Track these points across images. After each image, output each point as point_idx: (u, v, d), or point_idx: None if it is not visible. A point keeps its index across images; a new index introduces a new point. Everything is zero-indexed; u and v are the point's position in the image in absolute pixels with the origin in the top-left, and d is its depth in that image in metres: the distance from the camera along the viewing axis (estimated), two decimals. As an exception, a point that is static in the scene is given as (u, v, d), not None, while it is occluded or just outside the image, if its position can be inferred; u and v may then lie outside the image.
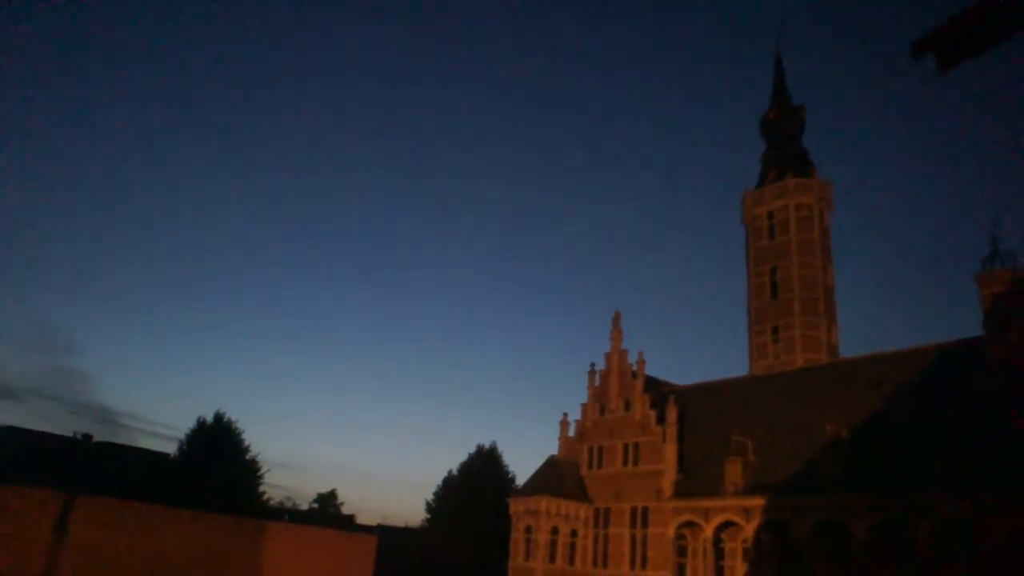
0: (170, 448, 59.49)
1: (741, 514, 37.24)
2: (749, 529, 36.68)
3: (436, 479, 69.08)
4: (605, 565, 43.73)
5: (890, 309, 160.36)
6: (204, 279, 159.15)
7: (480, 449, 61.32)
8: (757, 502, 36.63)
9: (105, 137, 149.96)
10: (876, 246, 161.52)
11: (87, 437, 65.23)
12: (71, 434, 64.92)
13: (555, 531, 44.38)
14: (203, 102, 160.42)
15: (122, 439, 75.77)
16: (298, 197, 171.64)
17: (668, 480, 41.81)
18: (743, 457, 39.22)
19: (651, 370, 48.02)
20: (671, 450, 42.45)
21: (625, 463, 44.95)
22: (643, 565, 41.76)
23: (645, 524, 42.41)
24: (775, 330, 49.81)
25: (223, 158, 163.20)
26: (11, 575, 29.52)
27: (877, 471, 33.18)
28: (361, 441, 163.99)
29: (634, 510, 43.29)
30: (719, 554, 39.45)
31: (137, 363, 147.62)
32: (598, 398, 48.76)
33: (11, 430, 59.93)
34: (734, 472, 38.71)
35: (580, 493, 46.00)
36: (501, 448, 62.27)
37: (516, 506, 46.33)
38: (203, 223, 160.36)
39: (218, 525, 36.60)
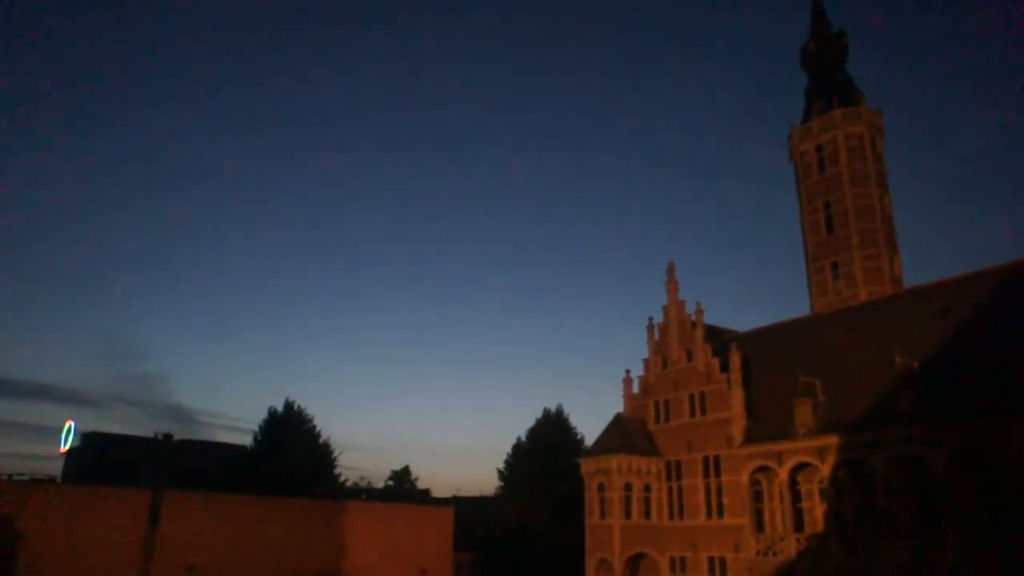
0: (245, 440, 61.34)
1: (815, 455, 36.71)
2: (825, 469, 36.16)
3: (506, 447, 69.79)
4: (681, 516, 43.76)
5: (954, 232, 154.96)
6: (263, 274, 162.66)
7: (547, 413, 61.61)
8: (830, 441, 36.05)
9: (155, 146, 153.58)
10: (935, 168, 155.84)
11: (168, 436, 67.79)
12: (153, 435, 67.62)
13: (628, 487, 44.50)
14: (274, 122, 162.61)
15: (200, 435, 78.60)
16: (351, 175, 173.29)
17: (738, 427, 41.43)
18: (812, 398, 38.57)
19: (710, 319, 47.44)
20: (738, 397, 42.00)
21: (692, 414, 44.67)
22: (720, 514, 41.64)
23: (718, 473, 42.20)
24: (834, 266, 48.56)
25: (264, 151, 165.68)
26: (112, 568, 31.06)
27: (952, 400, 32.27)
28: (430, 416, 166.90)
29: (706, 460, 43.10)
30: (796, 496, 39.03)
31: (208, 362, 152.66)
32: (659, 352, 48.43)
33: (98, 436, 62.69)
34: (804, 413, 38.11)
35: (650, 448, 45.96)
36: (567, 411, 62.50)
37: (587, 466, 46.57)
38: (254, 216, 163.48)
39: (298, 508, 37.76)
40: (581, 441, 59.24)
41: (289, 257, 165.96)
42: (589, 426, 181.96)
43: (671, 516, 44.35)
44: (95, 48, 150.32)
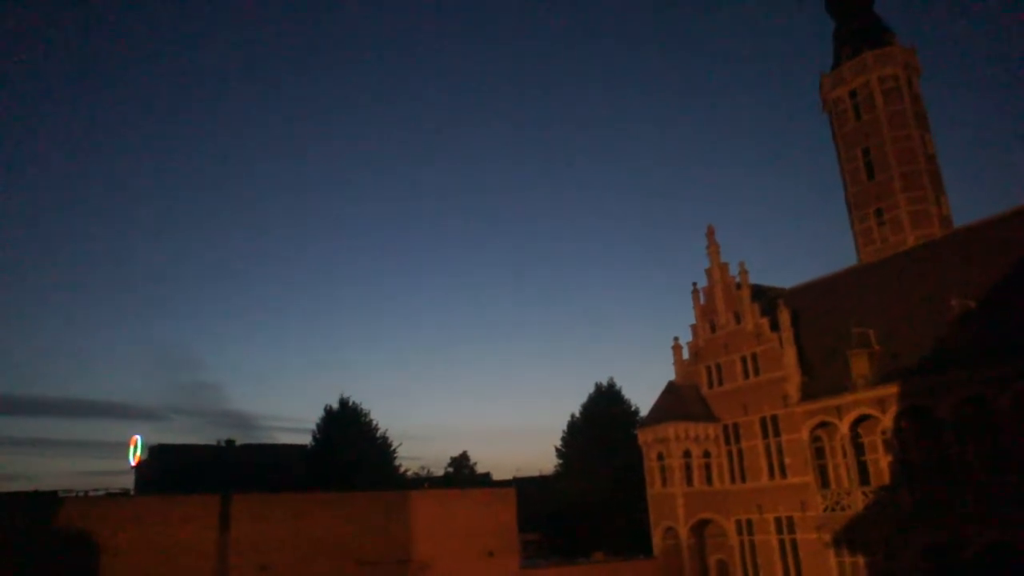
0: (305, 439, 62.39)
1: (876, 406, 36.07)
2: (887, 419, 35.53)
3: (561, 424, 70.03)
4: (744, 479, 43.46)
5: (1003, 165, 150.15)
6: (309, 276, 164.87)
7: (599, 387, 61.62)
8: (890, 391, 35.37)
9: (202, 161, 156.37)
10: (977, 101, 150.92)
11: (230, 442, 69.47)
12: (215, 442, 69.35)
13: (687, 454, 44.33)
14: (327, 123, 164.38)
15: (261, 439, 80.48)
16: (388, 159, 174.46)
17: (793, 385, 40.90)
18: (867, 348, 37.87)
19: (755, 278, 46.79)
20: (790, 354, 41.42)
21: (746, 376, 44.22)
22: (783, 473, 41.25)
23: (777, 433, 41.77)
24: (878, 212, 47.42)
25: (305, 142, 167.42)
26: (189, 573, 32.01)
27: (1014, 338, 31.38)
28: (484, 400, 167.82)
29: (763, 420, 42.67)
30: (859, 450, 38.44)
31: (262, 367, 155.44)
32: (706, 316, 47.98)
33: (163, 447, 64.47)
34: (860, 365, 37.46)
35: (705, 413, 45.66)
36: (619, 383, 62.42)
37: (644, 436, 46.50)
38: (296, 220, 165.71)
39: (362, 501, 38.38)
40: (636, 412, 59.14)
41: (333, 256, 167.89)
42: (642, 397, 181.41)
43: (733, 480, 44.08)
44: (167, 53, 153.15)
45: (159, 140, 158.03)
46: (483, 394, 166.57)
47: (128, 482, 64.53)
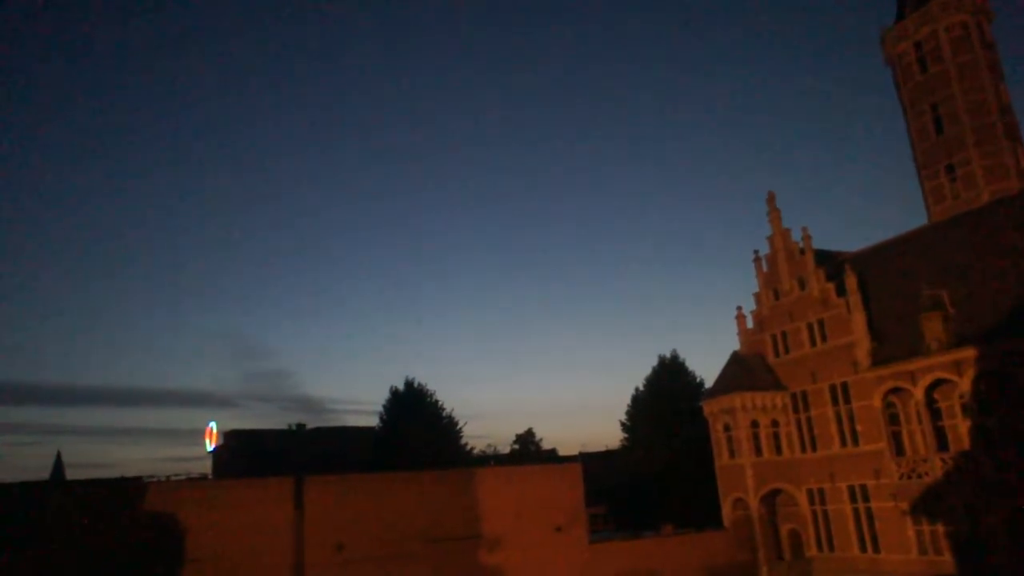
0: (373, 421, 63.59)
1: (952, 369, 34.85)
2: (964, 384, 34.30)
3: (625, 399, 69.71)
4: (814, 448, 42.65)
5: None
6: (372, 260, 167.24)
7: (662, 360, 61.06)
8: (968, 354, 34.10)
9: (270, 152, 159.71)
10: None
11: (301, 426, 71.32)
12: (287, 427, 71.30)
13: (755, 424, 43.68)
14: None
15: (331, 422, 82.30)
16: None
17: (862, 350, 39.80)
18: (941, 311, 36.51)
19: (818, 243, 45.58)
20: (859, 319, 40.28)
21: (812, 343, 43.23)
22: (855, 441, 40.32)
23: (847, 400, 40.80)
24: (949, 169, 45.45)
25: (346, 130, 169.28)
26: (267, 557, 33.05)
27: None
28: (547, 377, 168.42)
29: (833, 388, 41.71)
30: (935, 415, 37.24)
31: (329, 351, 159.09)
32: (769, 284, 47.00)
33: (237, 433, 66.54)
34: (934, 328, 36.17)
35: (772, 382, 44.87)
36: (682, 355, 61.72)
37: (710, 407, 45.98)
38: (358, 205, 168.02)
39: (430, 480, 38.93)
40: (700, 384, 58.46)
41: (397, 239, 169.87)
42: (706, 368, 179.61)
43: (803, 449, 43.30)
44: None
45: (228, 138, 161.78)
46: (548, 371, 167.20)
47: (206, 467, 66.77)
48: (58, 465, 59.44)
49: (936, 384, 36.31)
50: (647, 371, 61.83)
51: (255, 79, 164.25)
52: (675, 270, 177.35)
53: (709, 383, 51.38)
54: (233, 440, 64.70)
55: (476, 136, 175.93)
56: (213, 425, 58.12)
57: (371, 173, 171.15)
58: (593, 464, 58.21)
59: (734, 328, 49.06)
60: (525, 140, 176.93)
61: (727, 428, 44.60)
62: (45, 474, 57.07)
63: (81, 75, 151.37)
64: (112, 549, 29.95)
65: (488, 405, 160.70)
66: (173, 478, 39.17)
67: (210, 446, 57.98)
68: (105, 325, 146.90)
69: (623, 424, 63.26)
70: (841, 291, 41.54)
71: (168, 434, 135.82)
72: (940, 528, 35.75)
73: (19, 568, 28.19)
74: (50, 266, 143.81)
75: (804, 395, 43.45)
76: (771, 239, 47.14)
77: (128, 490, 33.33)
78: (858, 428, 40.05)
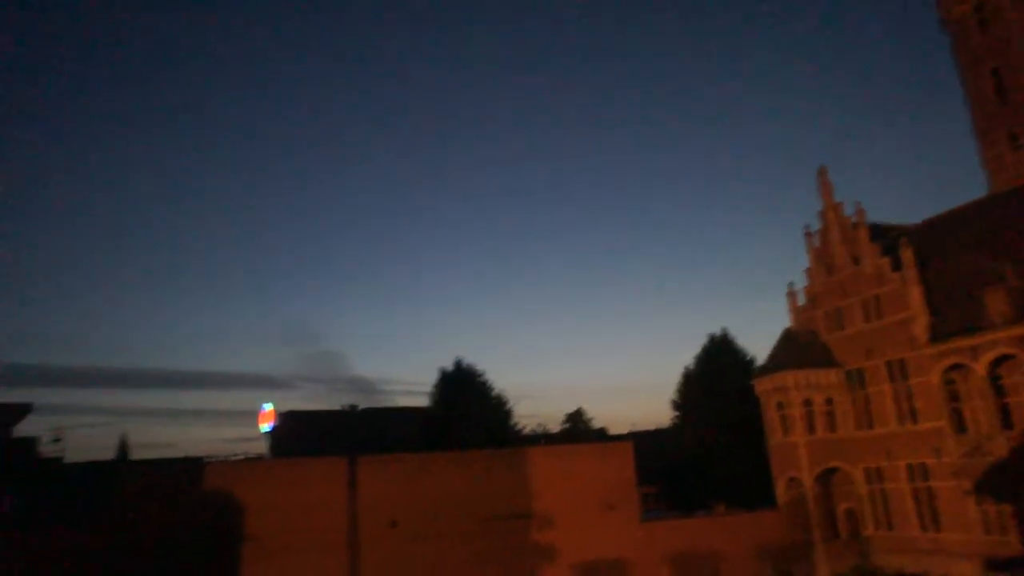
0: (424, 402, 64.27)
1: (1017, 344, 33.72)
2: (1029, 358, 33.16)
3: (675, 378, 69.10)
4: (870, 426, 41.79)
5: None
6: (420, 243, 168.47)
7: (712, 338, 60.37)
8: (1032, 327, 32.94)
9: (312, 140, 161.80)
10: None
11: (353, 407, 72.40)
12: (340, 407, 72.49)
13: (808, 402, 42.96)
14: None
15: (383, 403, 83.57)
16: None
17: (920, 326, 38.76)
18: (1004, 284, 35.29)
19: (873, 217, 44.41)
20: (916, 294, 39.20)
21: (867, 319, 42.24)
22: (913, 419, 39.37)
23: (905, 376, 39.82)
24: (1012, 137, 43.73)
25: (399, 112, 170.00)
26: (323, 534, 33.78)
27: None
28: (597, 356, 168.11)
29: (889, 364, 40.74)
30: (999, 392, 36.12)
31: (380, 333, 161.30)
32: (821, 260, 46.01)
33: (293, 414, 67.94)
34: (997, 301, 34.99)
35: (826, 359, 44.02)
36: (733, 333, 60.95)
37: (762, 385, 45.36)
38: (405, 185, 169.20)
39: (481, 459, 39.30)
40: (751, 362, 57.61)
41: (446, 223, 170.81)
42: (757, 346, 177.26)
43: (859, 427, 42.47)
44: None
45: (288, 122, 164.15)
46: (598, 351, 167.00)
47: (262, 447, 68.40)
48: (123, 446, 61.43)
49: (1000, 360, 35.19)
50: (697, 349, 61.33)
51: (318, 51, 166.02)
52: (725, 247, 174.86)
53: (760, 361, 50.68)
54: (288, 421, 66.05)
55: (523, 121, 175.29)
56: (269, 406, 59.38)
57: (424, 157, 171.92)
58: (644, 443, 57.84)
59: (785, 305, 48.27)
60: (570, 124, 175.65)
61: (780, 406, 43.96)
62: (111, 454, 59.08)
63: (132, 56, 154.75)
64: (176, 525, 30.97)
65: (538, 385, 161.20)
66: (232, 458, 40.32)
67: (266, 427, 59.27)
68: (168, 311, 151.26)
69: (673, 403, 62.84)
70: (897, 266, 40.46)
71: (227, 415, 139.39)
72: (1007, 508, 34.74)
73: (88, 542, 29.35)
74: (119, 259, 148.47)
75: (859, 372, 42.55)
76: (822, 214, 46.09)
77: (190, 470, 34.47)
78: (916, 405, 39.10)
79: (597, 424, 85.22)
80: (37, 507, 31.59)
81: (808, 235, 47.01)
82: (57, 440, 39.98)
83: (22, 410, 38.05)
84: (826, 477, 43.45)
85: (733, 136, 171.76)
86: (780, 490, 44.19)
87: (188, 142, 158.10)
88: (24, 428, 38.41)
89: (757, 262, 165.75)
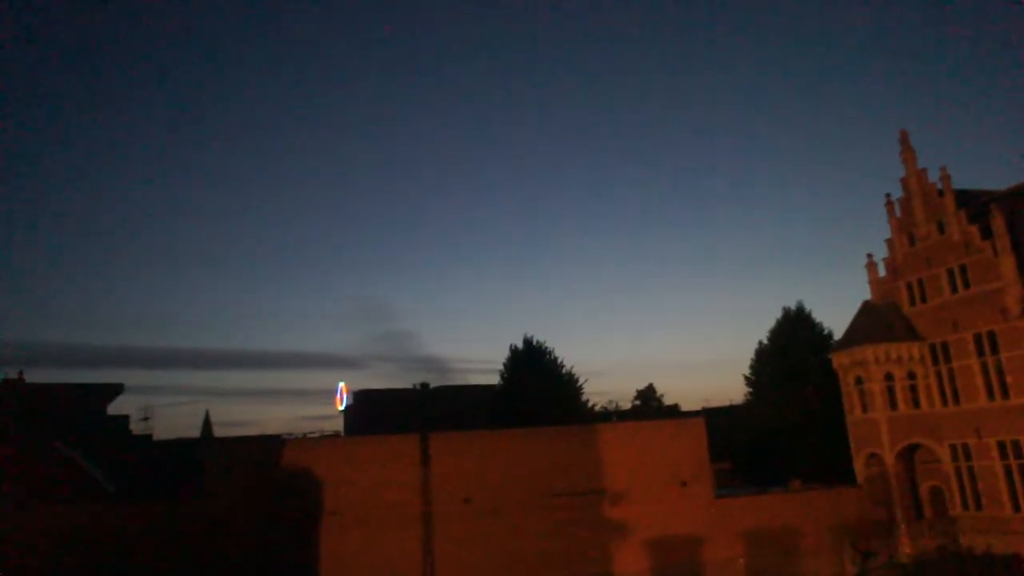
0: (494, 379, 64.77)
1: (1117, 314, 31.80)
2: None
3: (748, 353, 67.76)
4: (957, 401, 40.15)
5: None
6: (489, 222, 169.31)
7: (787, 312, 58.93)
8: None
9: (387, 120, 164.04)
10: None
11: (425, 385, 73.57)
12: (411, 386, 73.76)
13: (889, 377, 41.55)
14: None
15: (453, 381, 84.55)
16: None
17: (1013, 296, 36.91)
18: (1104, 250, 33.29)
19: (959, 183, 42.27)
20: (1008, 263, 37.31)
21: (953, 290, 40.46)
22: (1004, 394, 37.63)
23: (995, 350, 38.04)
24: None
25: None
26: (398, 509, 34.52)
27: None
28: (668, 332, 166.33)
29: (977, 337, 38.97)
30: (1098, 364, 34.19)
31: (451, 313, 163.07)
32: (904, 229, 44.20)
33: (367, 392, 69.52)
34: (1096, 269, 33.04)
35: (908, 333, 42.43)
36: (808, 306, 59.26)
37: (840, 360, 44.08)
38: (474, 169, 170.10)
39: (553, 436, 39.44)
40: (828, 336, 56.03)
41: (513, 199, 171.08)
42: (834, 319, 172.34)
43: (945, 402, 40.87)
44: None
45: (352, 105, 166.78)
46: (669, 326, 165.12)
47: (338, 425, 70.29)
48: (207, 423, 63.98)
49: (1099, 330, 33.29)
50: (771, 323, 60.06)
51: (391, 19, 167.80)
52: (800, 217, 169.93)
53: (838, 335, 49.22)
54: (362, 399, 67.59)
55: (590, 94, 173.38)
56: (343, 385, 60.90)
57: (491, 136, 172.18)
58: (717, 419, 57.06)
59: (864, 277, 46.66)
60: (638, 96, 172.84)
61: (859, 381, 42.66)
62: (196, 432, 61.56)
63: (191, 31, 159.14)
64: (258, 499, 32.11)
65: (608, 362, 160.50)
66: (309, 435, 41.48)
67: (341, 405, 60.85)
68: (248, 294, 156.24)
69: (747, 378, 61.75)
70: (986, 234, 38.55)
71: (303, 394, 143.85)
72: (1104, 486, 33.03)
73: (177, 513, 30.72)
74: (203, 246, 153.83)
75: (944, 346, 40.87)
76: (905, 181, 44.21)
77: (270, 446, 35.66)
78: (1008, 380, 37.33)
79: (669, 401, 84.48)
80: (130, 481, 33.21)
81: (889, 203, 45.24)
82: (146, 418, 41.96)
83: (114, 390, 40.06)
84: (908, 454, 42.06)
85: (810, 100, 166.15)
86: (859, 467, 43.02)
87: (265, 124, 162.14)
88: (116, 407, 40.45)
89: (834, 233, 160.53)
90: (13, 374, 37.23)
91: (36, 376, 38.20)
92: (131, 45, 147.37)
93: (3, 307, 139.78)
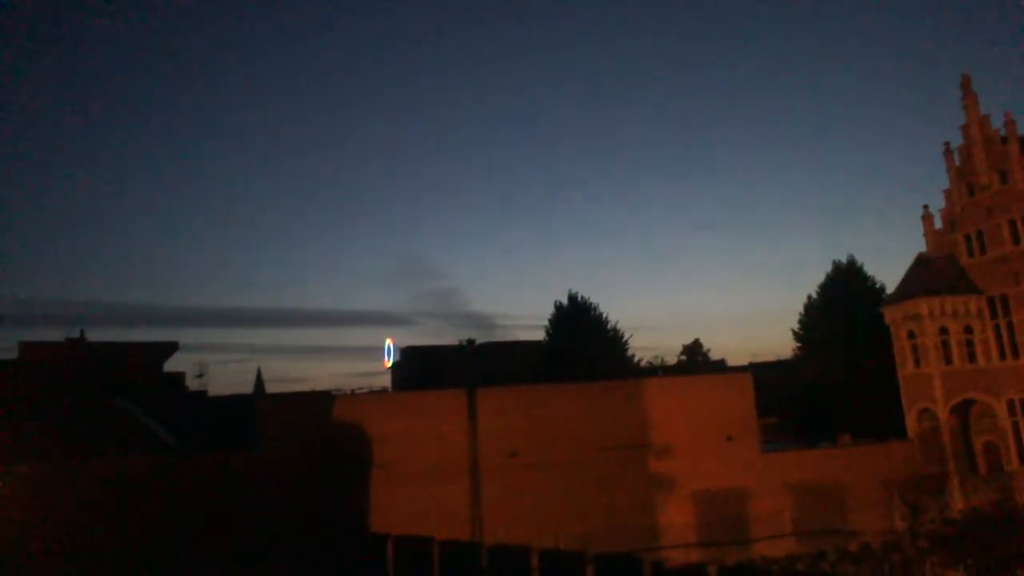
0: (540, 336, 64.98)
1: None
2: None
3: (796, 307, 66.78)
4: (1016, 356, 39.06)
5: None
6: (531, 180, 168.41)
7: (837, 265, 57.63)
8: None
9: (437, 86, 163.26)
10: None
11: (471, 342, 74.05)
12: (458, 343, 74.36)
13: (944, 331, 40.54)
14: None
15: (499, 337, 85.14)
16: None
17: (1077, 247, 35.52)
18: None
19: (1023, 129, 40.45)
20: (1074, 212, 35.83)
21: (1015, 241, 39.09)
22: (1065, 347, 36.48)
23: (1057, 302, 36.78)
24: None
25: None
26: (446, 462, 35.12)
27: None
28: (715, 287, 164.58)
29: (1039, 290, 37.71)
30: None
31: (496, 269, 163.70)
32: (963, 178, 42.65)
33: (414, 349, 70.34)
34: None
35: (964, 286, 41.22)
36: (860, 259, 57.85)
37: (892, 314, 43.11)
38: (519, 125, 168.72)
39: (598, 390, 39.50)
40: (880, 290, 54.75)
41: (558, 156, 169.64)
42: (887, 272, 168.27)
43: (1002, 356, 39.81)
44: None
45: (402, 64, 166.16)
46: (714, 280, 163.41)
47: (385, 381, 71.42)
48: (259, 380, 65.62)
49: None
50: (820, 277, 58.91)
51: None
52: (851, 167, 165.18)
53: (890, 289, 48.06)
54: (409, 356, 68.41)
55: (638, 44, 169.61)
56: (390, 342, 61.77)
57: (535, 93, 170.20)
58: (764, 374, 56.49)
59: (919, 229, 45.31)
60: (680, 47, 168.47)
61: (912, 335, 41.72)
62: (248, 388, 63.22)
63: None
64: (309, 453, 32.93)
65: (654, 317, 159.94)
66: (358, 391, 42.23)
67: (388, 362, 61.79)
68: (295, 253, 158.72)
69: (795, 333, 60.87)
70: (1051, 181, 37.03)
71: (351, 351, 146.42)
72: None
73: (230, 466, 31.71)
74: (254, 205, 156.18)
75: (1004, 299, 39.63)
76: (965, 128, 42.51)
77: (320, 402, 36.42)
78: (1069, 333, 36.17)
79: (715, 356, 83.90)
80: (186, 435, 34.31)
81: (948, 152, 43.62)
82: (201, 375, 43.13)
83: (170, 348, 41.23)
84: (962, 409, 41.21)
85: (864, 44, 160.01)
86: (911, 422, 42.33)
87: (315, 84, 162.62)
88: (172, 365, 41.65)
89: (888, 183, 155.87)
90: (75, 333, 38.61)
91: (96, 335, 39.45)
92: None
93: (66, 269, 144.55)
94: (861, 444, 42.71)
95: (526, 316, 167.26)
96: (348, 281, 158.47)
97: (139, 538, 27.95)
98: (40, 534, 26.68)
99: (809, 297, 59.22)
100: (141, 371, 37.71)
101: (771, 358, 74.71)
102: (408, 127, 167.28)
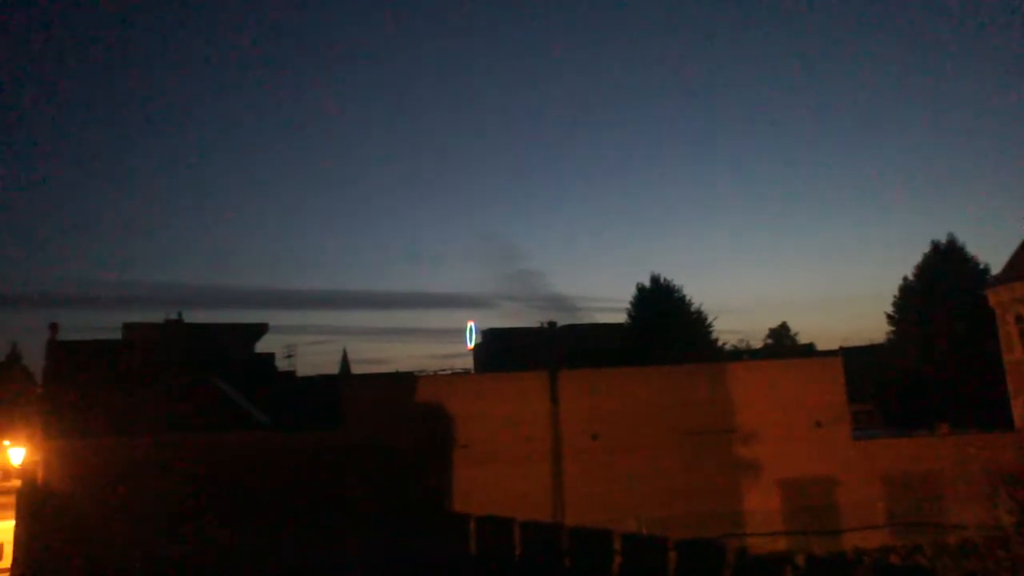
0: (621, 318, 64.53)
1: None
2: None
3: (891, 288, 64.06)
4: None
5: None
6: (614, 163, 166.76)
7: (936, 245, 54.95)
8: None
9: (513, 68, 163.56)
10: None
11: (552, 324, 74.18)
12: (538, 325, 74.57)
13: (1055, 314, 38.12)
14: None
15: (580, 319, 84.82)
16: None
17: None
18: None
19: None
20: None
21: None
22: None
23: None
24: None
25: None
26: (527, 444, 35.26)
27: None
28: (803, 267, 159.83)
29: None
30: None
31: (578, 252, 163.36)
32: (1077, 151, 39.84)
33: (494, 331, 70.94)
34: None
35: (1080, 266, 38.61)
36: (961, 239, 55.03)
37: (998, 296, 40.81)
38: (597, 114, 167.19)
39: (682, 374, 38.90)
40: (984, 271, 51.93)
41: (638, 139, 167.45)
42: (991, 252, 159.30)
43: (1122, 341, 37.14)
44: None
45: (485, 44, 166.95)
46: (803, 262, 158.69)
47: (467, 363, 72.40)
48: (345, 361, 67.52)
49: None
50: (917, 258, 56.38)
51: None
52: (953, 140, 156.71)
53: (996, 269, 45.46)
54: (490, 338, 69.03)
55: (718, 18, 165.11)
56: (471, 324, 62.56)
57: (616, 76, 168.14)
58: (855, 359, 54.51)
59: (1029, 205, 42.63)
60: (767, 19, 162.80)
61: (1020, 319, 39.39)
62: (335, 369, 65.11)
63: None
64: (394, 432, 33.65)
65: (740, 300, 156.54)
66: (441, 372, 42.86)
67: (470, 343, 62.63)
68: (380, 236, 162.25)
69: (889, 316, 58.51)
70: None
71: (434, 333, 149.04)
72: None
73: (319, 443, 32.73)
74: (336, 190, 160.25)
75: (1124, 279, 36.96)
76: (1081, 96, 39.65)
77: (405, 382, 37.15)
78: None
79: (804, 339, 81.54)
80: (276, 414, 35.59)
81: (1060, 123, 40.83)
82: (290, 356, 44.67)
83: (260, 329, 42.81)
84: (1077, 397, 38.74)
85: (963, 10, 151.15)
86: (1017, 411, 40.06)
87: (395, 64, 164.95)
88: (262, 345, 43.27)
89: (995, 156, 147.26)
90: (173, 315, 40.56)
91: (192, 316, 41.37)
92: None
93: (164, 252, 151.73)
94: (961, 434, 40.72)
95: (607, 298, 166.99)
96: (431, 264, 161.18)
97: (240, 513, 29.25)
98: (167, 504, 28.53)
99: (905, 279, 56.87)
100: (234, 352, 39.28)
101: (863, 342, 72.10)
102: (493, 110, 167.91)
